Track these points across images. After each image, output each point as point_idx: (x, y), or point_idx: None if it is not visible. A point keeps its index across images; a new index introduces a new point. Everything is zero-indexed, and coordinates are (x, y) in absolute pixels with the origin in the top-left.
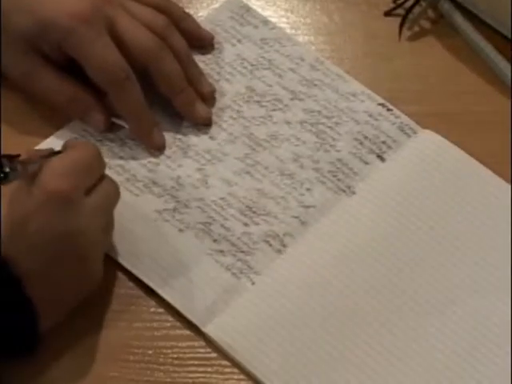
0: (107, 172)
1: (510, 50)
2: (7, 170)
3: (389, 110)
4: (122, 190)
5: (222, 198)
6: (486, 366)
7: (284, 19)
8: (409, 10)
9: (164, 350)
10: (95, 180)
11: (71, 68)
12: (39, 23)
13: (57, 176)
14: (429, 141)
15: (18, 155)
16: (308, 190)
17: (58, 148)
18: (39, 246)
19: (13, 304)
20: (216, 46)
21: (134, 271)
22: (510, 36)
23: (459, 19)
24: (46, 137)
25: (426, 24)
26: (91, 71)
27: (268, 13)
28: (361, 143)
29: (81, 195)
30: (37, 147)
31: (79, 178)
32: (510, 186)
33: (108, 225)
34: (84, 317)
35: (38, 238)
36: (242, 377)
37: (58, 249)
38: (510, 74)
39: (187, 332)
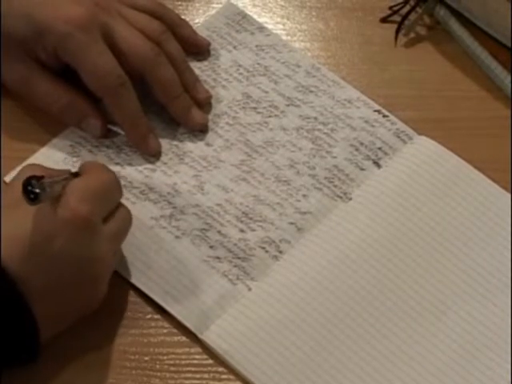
0: None
1: (510, 59)
2: (37, 190)
3: (385, 116)
4: None
5: (218, 205)
6: (484, 371)
7: (280, 26)
8: (405, 17)
9: (160, 357)
10: (113, 207)
11: (67, 74)
12: (35, 29)
13: (80, 201)
14: (425, 147)
15: (43, 176)
16: (304, 196)
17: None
18: (54, 267)
19: (15, 317)
20: (212, 52)
21: (131, 279)
22: (504, 42)
23: (455, 26)
24: (44, 143)
25: (422, 30)
26: (86, 78)
27: (264, 19)
28: (357, 149)
29: (100, 221)
30: (35, 154)
31: (100, 204)
32: (506, 193)
33: (117, 252)
34: (80, 324)
35: (55, 260)
36: (238, 383)
37: (72, 271)
38: (505, 80)
39: (183, 338)
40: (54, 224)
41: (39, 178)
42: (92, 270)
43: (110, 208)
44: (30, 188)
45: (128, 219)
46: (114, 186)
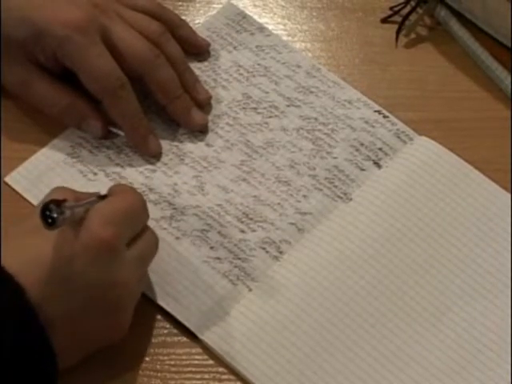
0: (105, 179)
1: (510, 59)
2: (55, 215)
3: (385, 116)
4: None
5: (218, 205)
6: (484, 371)
7: (281, 26)
8: (405, 17)
9: (161, 357)
10: (138, 230)
11: (67, 76)
12: (34, 32)
13: (103, 224)
14: (425, 147)
15: (65, 200)
16: (304, 196)
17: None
18: (74, 293)
19: (33, 347)
20: (212, 52)
21: None
22: (505, 42)
23: (456, 26)
24: (44, 144)
25: (423, 31)
26: (85, 80)
27: (264, 20)
28: (357, 150)
29: (124, 245)
30: (35, 154)
31: (124, 227)
32: (506, 193)
33: (143, 277)
34: None
35: (76, 285)
36: None
37: (94, 297)
38: (505, 80)
39: (184, 339)
40: (75, 248)
41: (60, 202)
42: (114, 296)
43: (134, 231)
44: (47, 213)
45: (153, 243)
46: (140, 209)
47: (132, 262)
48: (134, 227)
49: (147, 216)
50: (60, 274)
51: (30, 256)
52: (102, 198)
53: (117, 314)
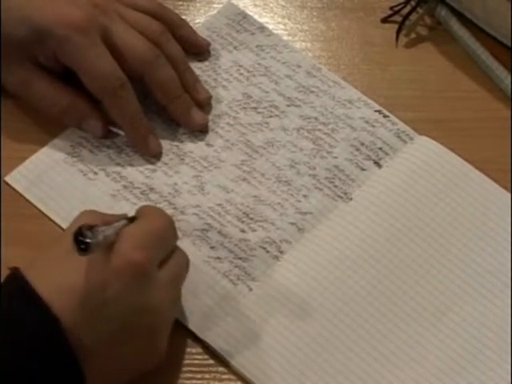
0: (105, 179)
1: (510, 59)
2: (88, 240)
3: (385, 116)
4: (119, 198)
5: (218, 205)
6: (484, 371)
7: (281, 26)
8: (406, 17)
9: None
10: (169, 252)
11: (67, 76)
12: (34, 32)
13: (134, 248)
14: (425, 147)
15: (96, 224)
16: (305, 196)
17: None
18: (107, 318)
19: (65, 377)
20: (212, 52)
21: None
22: (505, 42)
23: (456, 26)
24: (44, 143)
25: (423, 31)
26: (86, 80)
27: (265, 19)
28: (357, 150)
29: (155, 268)
30: (36, 154)
31: (155, 250)
32: (507, 193)
33: (176, 298)
34: None
35: (110, 309)
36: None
37: (128, 322)
38: (505, 80)
39: (184, 339)
40: (107, 272)
41: (92, 227)
42: (148, 320)
43: (165, 253)
44: (80, 238)
45: (184, 264)
46: (170, 231)
47: (164, 285)
48: (164, 249)
49: (176, 237)
50: (93, 301)
51: (61, 282)
52: (131, 220)
53: (152, 338)
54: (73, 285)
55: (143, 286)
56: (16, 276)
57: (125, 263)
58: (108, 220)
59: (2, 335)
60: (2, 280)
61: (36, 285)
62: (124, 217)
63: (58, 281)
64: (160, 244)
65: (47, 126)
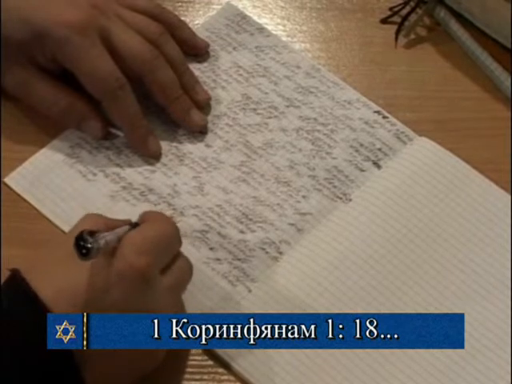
0: (104, 180)
1: (510, 60)
2: (89, 245)
3: (385, 117)
4: (118, 199)
5: (218, 206)
6: (484, 371)
7: (280, 27)
8: (405, 18)
9: None
10: (171, 257)
11: (66, 77)
12: (33, 33)
13: (136, 253)
14: (425, 148)
15: (98, 230)
16: (304, 197)
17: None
18: None
19: (65, 378)
20: (212, 53)
21: None
22: (504, 43)
23: (455, 27)
24: (43, 144)
25: (422, 31)
26: (85, 81)
27: (264, 20)
28: (357, 150)
29: (157, 274)
30: (35, 155)
31: (158, 256)
32: (507, 194)
33: (178, 303)
34: None
35: (110, 313)
36: None
37: None
38: (505, 81)
39: None
40: (109, 277)
41: (94, 232)
42: None
43: (167, 259)
44: (81, 243)
45: (187, 270)
46: (173, 237)
47: (166, 290)
48: (167, 255)
49: (180, 243)
50: (94, 305)
51: (62, 286)
52: (134, 225)
53: None
54: (74, 288)
55: (144, 291)
56: (16, 278)
57: (126, 268)
58: (111, 224)
59: (2, 337)
60: (2, 281)
61: (37, 287)
62: (127, 222)
63: (60, 284)
64: (163, 250)
65: (46, 127)
